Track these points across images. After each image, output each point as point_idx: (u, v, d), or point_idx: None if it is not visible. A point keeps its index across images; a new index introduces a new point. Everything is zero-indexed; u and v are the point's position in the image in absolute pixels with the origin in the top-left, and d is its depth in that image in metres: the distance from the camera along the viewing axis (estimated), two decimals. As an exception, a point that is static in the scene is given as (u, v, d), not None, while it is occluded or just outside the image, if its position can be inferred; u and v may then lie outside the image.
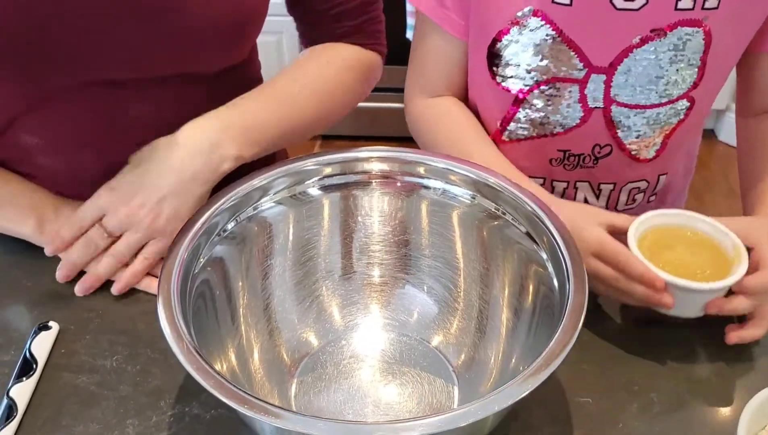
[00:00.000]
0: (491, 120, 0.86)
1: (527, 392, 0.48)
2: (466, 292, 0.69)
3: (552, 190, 0.87)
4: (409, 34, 2.12)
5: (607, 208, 0.88)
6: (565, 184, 0.87)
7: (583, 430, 0.61)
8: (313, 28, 0.87)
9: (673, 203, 0.95)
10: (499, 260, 0.67)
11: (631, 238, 0.68)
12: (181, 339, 0.52)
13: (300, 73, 0.83)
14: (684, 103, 0.81)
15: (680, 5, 0.72)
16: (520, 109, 0.82)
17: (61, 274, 0.74)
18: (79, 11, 0.67)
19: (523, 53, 0.78)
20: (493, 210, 0.66)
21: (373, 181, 0.70)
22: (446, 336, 0.69)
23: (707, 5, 0.72)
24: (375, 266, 0.72)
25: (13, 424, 0.60)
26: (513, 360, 0.63)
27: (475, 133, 0.84)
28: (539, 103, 0.81)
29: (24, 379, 0.63)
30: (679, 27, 0.74)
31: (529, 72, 0.79)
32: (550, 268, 0.60)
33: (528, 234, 0.63)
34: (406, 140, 0.85)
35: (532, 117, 0.82)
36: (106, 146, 0.76)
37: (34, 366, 0.65)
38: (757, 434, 0.57)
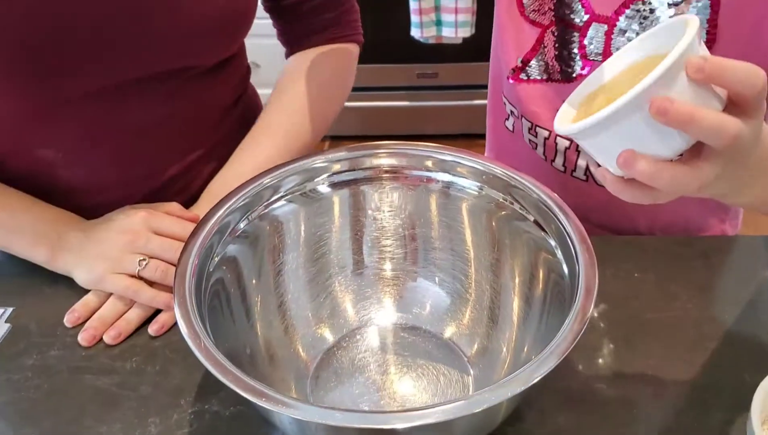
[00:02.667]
0: (512, 57, 0.82)
1: (540, 377, 0.49)
2: (477, 283, 0.70)
3: (555, 147, 0.83)
4: (414, 32, 2.13)
5: None
6: (567, 144, 0.81)
7: (598, 416, 0.62)
8: (293, 23, 0.88)
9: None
10: (509, 249, 0.68)
11: (562, 123, 0.51)
12: (198, 337, 0.52)
13: (290, 101, 0.87)
14: None
15: None
16: (540, 49, 0.79)
17: (87, 334, 0.69)
18: (86, 15, 0.68)
19: None
20: (500, 200, 0.67)
21: (382, 176, 0.70)
22: (459, 327, 0.70)
23: None
24: (386, 260, 0.73)
25: None
26: (526, 348, 0.64)
27: None
28: (549, 44, 0.78)
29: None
30: None
31: (544, 12, 0.76)
32: (560, 255, 0.60)
33: (536, 222, 0.64)
34: (415, 138, 0.86)
35: (545, 59, 0.79)
36: (121, 152, 0.78)
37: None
38: (771, 413, 0.57)
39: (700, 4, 0.70)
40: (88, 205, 0.78)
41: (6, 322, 0.72)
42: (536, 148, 0.85)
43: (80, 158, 0.77)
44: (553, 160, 0.84)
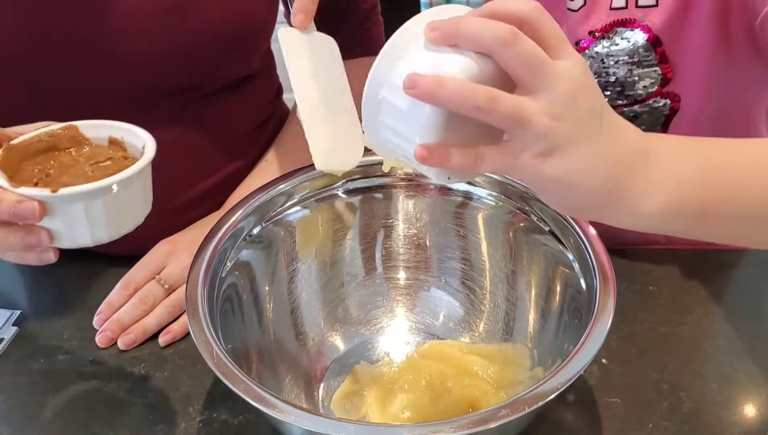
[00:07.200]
0: None
1: (556, 393, 0.48)
2: (492, 294, 0.69)
3: None
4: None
5: None
6: None
7: (612, 431, 0.61)
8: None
9: None
10: (525, 262, 0.67)
11: None
12: (210, 346, 0.52)
13: None
14: (661, 101, 0.75)
15: (614, 4, 0.70)
16: None
17: (104, 337, 0.69)
18: (85, 25, 0.65)
19: None
20: (518, 211, 0.66)
21: (397, 184, 0.70)
22: (472, 338, 0.69)
23: (642, 2, 0.69)
24: (400, 269, 0.72)
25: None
26: (540, 362, 0.63)
27: None
28: None
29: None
30: (615, 28, 0.71)
31: None
32: (577, 269, 0.60)
33: (554, 235, 0.63)
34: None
35: None
36: None
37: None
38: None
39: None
40: None
41: (13, 325, 0.72)
42: None
43: None
44: None
